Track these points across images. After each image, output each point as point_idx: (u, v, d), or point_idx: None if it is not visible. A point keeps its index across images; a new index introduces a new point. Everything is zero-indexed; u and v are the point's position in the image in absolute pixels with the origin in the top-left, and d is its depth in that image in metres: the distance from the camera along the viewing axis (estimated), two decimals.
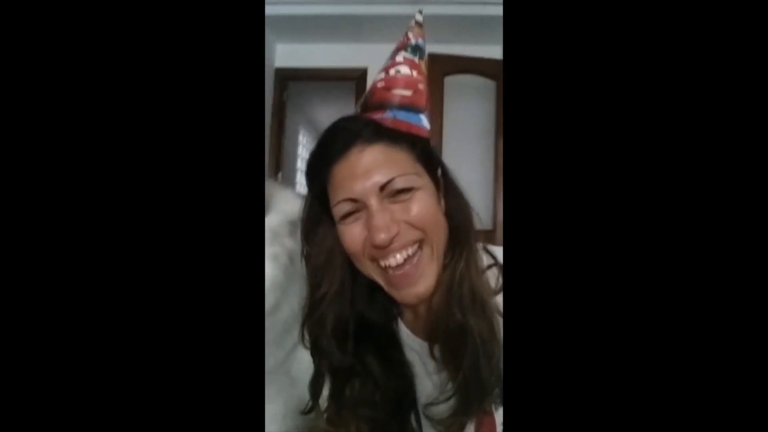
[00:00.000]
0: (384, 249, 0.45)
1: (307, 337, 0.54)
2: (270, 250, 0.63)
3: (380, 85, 0.52)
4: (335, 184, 0.48)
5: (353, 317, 0.52)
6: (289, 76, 2.95)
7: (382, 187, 0.45)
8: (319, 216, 0.52)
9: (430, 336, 0.51)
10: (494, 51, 2.42)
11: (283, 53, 2.91)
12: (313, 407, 0.54)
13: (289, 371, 0.74)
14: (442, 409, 0.48)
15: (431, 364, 0.51)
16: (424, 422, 0.51)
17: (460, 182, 0.53)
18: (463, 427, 0.48)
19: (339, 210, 0.47)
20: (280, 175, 2.93)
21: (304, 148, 4.76)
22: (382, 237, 0.43)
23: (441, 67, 2.46)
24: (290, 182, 3.44)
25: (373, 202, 0.45)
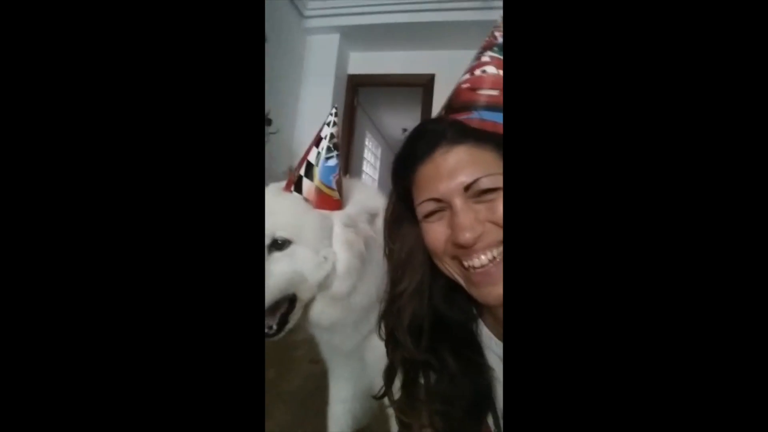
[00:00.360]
0: (468, 249, 0.45)
1: (383, 328, 0.56)
2: (345, 236, 0.69)
3: (465, 86, 0.52)
4: (420, 183, 0.48)
5: (430, 314, 0.52)
6: (360, 83, 3.10)
7: (467, 188, 0.45)
8: (402, 214, 0.53)
9: None
10: None
11: (356, 61, 3.08)
12: (385, 394, 0.57)
13: (363, 356, 0.81)
14: None
15: None
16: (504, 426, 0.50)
17: None
18: None
19: (423, 209, 0.48)
20: (347, 176, 3.09)
21: (370, 152, 4.93)
22: (466, 236, 0.43)
23: None
24: None
25: (458, 201, 0.45)
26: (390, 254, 0.55)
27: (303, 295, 0.69)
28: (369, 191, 0.81)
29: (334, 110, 0.76)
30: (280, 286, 0.66)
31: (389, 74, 3.00)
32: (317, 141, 0.73)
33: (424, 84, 2.89)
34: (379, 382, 0.84)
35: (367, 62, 3.05)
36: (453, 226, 0.45)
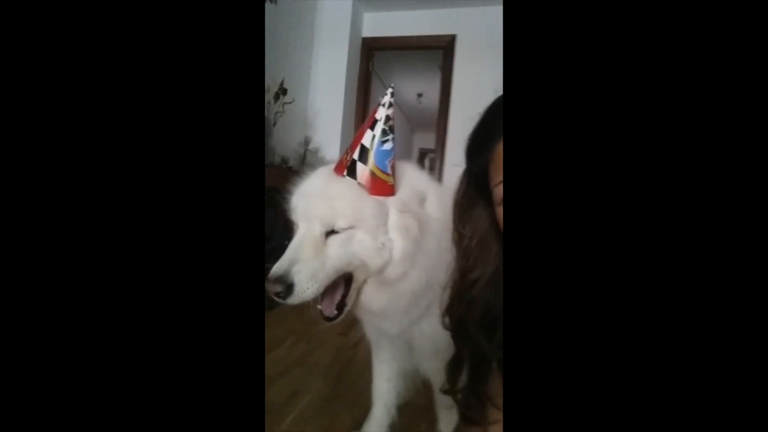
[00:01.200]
0: None
1: (448, 318, 0.52)
2: (402, 222, 0.66)
3: None
4: (500, 162, 0.43)
5: None
6: (375, 46, 2.96)
7: None
8: (475, 196, 0.49)
9: None
10: None
11: (371, 22, 2.92)
12: (451, 389, 0.54)
13: (410, 340, 0.79)
14: None
15: None
16: None
17: None
18: None
19: (501, 191, 0.43)
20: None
21: None
22: None
23: None
24: None
25: None
26: (459, 240, 0.50)
27: (359, 277, 0.67)
28: (415, 173, 0.76)
29: (390, 90, 0.69)
30: (336, 268, 0.64)
31: (406, 36, 2.84)
32: (372, 123, 0.67)
33: (444, 46, 2.75)
34: (425, 364, 0.84)
35: (381, 23, 2.89)
36: None
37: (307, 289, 0.60)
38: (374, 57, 3.03)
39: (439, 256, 0.65)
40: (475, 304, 0.48)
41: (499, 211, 0.44)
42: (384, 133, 0.66)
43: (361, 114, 2.97)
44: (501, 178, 0.42)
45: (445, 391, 0.55)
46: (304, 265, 0.60)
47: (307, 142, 2.65)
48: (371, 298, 0.70)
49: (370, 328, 0.85)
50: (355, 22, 2.81)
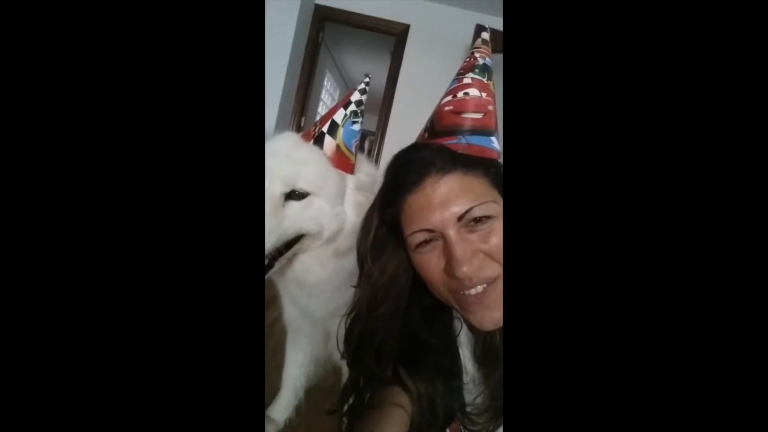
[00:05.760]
0: (464, 280, 0.44)
1: (344, 349, 0.55)
2: (356, 198, 0.73)
3: (448, 108, 0.51)
4: (410, 214, 0.48)
5: (405, 336, 0.52)
6: (328, 17, 2.84)
7: (460, 218, 0.45)
8: (385, 239, 0.53)
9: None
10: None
11: None
12: (336, 411, 0.56)
13: (328, 328, 0.81)
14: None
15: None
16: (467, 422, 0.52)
17: None
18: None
19: (414, 239, 0.47)
20: (303, 119, 2.92)
21: (327, 92, 4.66)
22: (464, 270, 0.43)
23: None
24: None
25: (452, 233, 0.45)
26: (368, 278, 0.53)
27: (310, 244, 0.71)
28: (368, 163, 0.84)
29: (367, 78, 0.77)
30: (294, 228, 0.67)
31: (361, 14, 2.77)
32: (346, 103, 0.73)
33: (398, 33, 2.74)
34: (338, 355, 0.86)
35: None
36: (450, 259, 0.45)
37: (266, 242, 0.62)
38: (325, 28, 2.91)
39: None
40: (376, 335, 0.52)
41: (414, 256, 0.49)
42: (355, 114, 0.72)
43: (304, 84, 2.86)
44: (414, 228, 0.47)
45: (330, 412, 0.57)
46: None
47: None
48: (309, 270, 0.73)
49: (293, 309, 0.86)
50: None
